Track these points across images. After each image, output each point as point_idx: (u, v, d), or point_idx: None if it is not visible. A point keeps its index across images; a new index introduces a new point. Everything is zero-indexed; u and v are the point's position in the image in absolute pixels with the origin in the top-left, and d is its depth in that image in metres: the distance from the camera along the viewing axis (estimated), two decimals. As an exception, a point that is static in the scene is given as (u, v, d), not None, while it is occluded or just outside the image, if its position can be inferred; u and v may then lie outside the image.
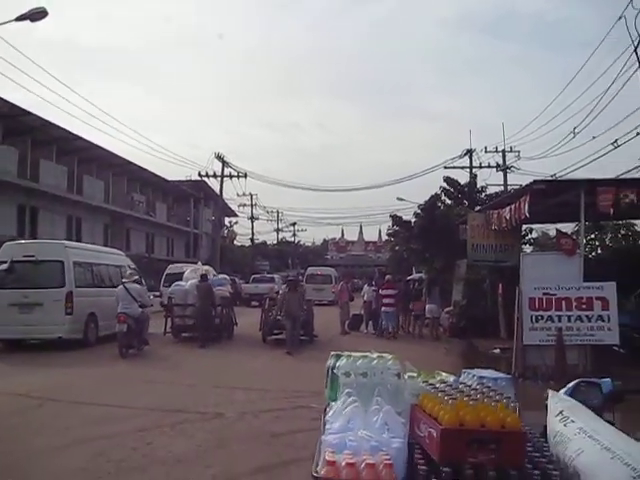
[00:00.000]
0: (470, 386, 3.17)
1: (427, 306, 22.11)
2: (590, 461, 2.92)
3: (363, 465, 2.46)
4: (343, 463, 2.46)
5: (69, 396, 10.55)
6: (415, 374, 3.60)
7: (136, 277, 18.18)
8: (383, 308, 21.91)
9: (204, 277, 19.44)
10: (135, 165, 42.96)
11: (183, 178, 52.74)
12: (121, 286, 16.65)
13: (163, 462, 7.16)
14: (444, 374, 3.68)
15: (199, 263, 25.45)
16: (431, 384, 3.19)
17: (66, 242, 19.39)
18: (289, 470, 6.34)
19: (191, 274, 21.08)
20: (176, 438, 8.23)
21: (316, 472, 2.51)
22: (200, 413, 9.56)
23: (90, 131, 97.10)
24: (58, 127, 32.05)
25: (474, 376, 3.69)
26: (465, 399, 2.85)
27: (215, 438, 8.24)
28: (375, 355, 3.48)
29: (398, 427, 2.89)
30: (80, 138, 34.73)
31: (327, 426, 2.99)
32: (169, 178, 50.30)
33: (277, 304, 18.58)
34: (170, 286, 27.31)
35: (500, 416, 2.73)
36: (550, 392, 3.77)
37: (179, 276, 27.49)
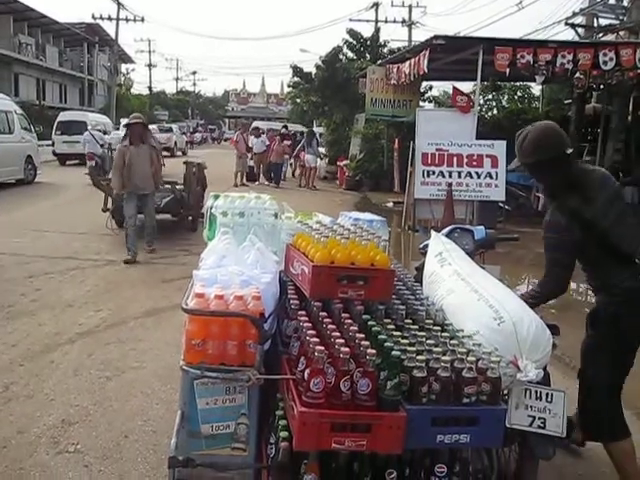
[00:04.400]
0: (344, 227, 3.23)
1: (306, 156, 23.13)
2: (458, 301, 3.06)
3: (232, 297, 2.51)
4: (212, 295, 2.50)
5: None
6: (292, 215, 3.64)
7: (98, 127, 23.87)
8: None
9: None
10: (21, 3, 39.61)
11: (76, 21, 49.77)
12: (87, 132, 21.65)
13: (52, 307, 7.15)
14: (321, 215, 3.71)
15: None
16: (306, 224, 3.23)
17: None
18: (177, 312, 6.43)
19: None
20: (66, 284, 8.21)
21: (185, 304, 2.55)
22: (91, 260, 9.51)
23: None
24: None
25: (350, 218, 3.77)
26: (337, 238, 2.91)
27: (106, 284, 8.27)
28: (253, 196, 3.48)
29: (269, 263, 2.95)
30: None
31: (201, 263, 3.02)
32: (60, 20, 47.15)
33: (113, 168, 10.49)
34: (62, 134, 26.68)
35: (370, 254, 2.79)
36: (433, 233, 3.86)
37: (72, 124, 26.62)
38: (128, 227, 9.79)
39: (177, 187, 12.08)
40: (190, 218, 12.25)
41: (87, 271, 8.87)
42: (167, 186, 11.82)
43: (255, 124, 39.25)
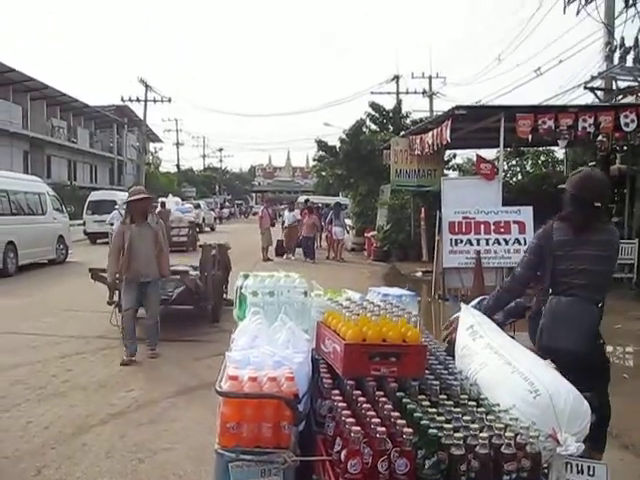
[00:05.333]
0: (374, 303, 3.24)
1: (333, 229, 23.27)
2: (492, 374, 3.01)
3: (265, 379, 2.51)
4: (245, 377, 2.50)
5: (-13, 326, 10.33)
6: (322, 292, 3.66)
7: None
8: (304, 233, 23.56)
9: (163, 204, 25.29)
10: (54, 89, 41.46)
11: (105, 103, 51.56)
12: (116, 211, 20.79)
13: (84, 388, 7.18)
14: (350, 292, 3.73)
15: (170, 196, 33.04)
16: (336, 301, 3.25)
17: (-22, 169, 18.66)
18: (209, 391, 6.41)
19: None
20: (97, 364, 8.25)
21: (219, 387, 2.55)
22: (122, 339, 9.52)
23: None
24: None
25: (379, 294, 3.77)
26: (368, 315, 2.92)
27: (137, 363, 8.27)
28: (282, 274, 3.51)
29: (301, 343, 2.94)
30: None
31: (232, 344, 3.03)
32: (91, 103, 49.07)
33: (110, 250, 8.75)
34: (93, 214, 27.32)
35: (401, 331, 2.79)
36: (463, 306, 3.85)
37: (102, 203, 27.26)
38: (125, 321, 8.47)
39: (191, 276, 10.58)
40: (210, 307, 10.79)
41: (118, 350, 8.87)
42: (176, 276, 10.24)
43: (300, 198, 39.49)
